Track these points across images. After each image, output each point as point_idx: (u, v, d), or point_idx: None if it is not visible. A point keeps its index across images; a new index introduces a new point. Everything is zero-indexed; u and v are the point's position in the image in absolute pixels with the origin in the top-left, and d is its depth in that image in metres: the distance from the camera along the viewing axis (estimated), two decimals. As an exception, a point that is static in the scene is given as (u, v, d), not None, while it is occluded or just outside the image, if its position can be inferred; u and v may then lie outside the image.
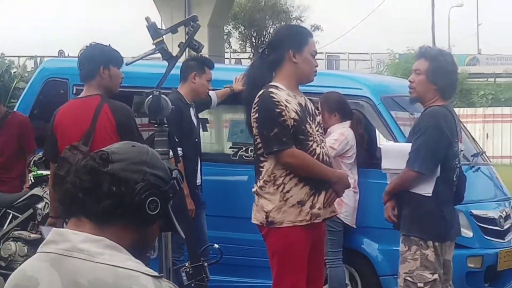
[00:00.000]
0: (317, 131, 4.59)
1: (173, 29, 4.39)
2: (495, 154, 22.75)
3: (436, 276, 4.82)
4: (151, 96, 4.08)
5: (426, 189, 4.81)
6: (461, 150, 5.15)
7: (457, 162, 4.96)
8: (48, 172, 5.74)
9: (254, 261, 6.25)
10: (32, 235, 6.44)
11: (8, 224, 6.54)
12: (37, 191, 6.48)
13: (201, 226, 6.08)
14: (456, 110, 6.27)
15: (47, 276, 1.93)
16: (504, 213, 6.52)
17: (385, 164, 5.08)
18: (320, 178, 4.50)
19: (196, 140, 6.15)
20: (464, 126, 6.48)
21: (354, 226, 6.23)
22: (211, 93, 6.41)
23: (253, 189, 4.58)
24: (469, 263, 6.16)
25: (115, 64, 5.00)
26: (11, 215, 6.57)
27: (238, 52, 43.35)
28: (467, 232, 6.03)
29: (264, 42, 29.33)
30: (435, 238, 4.83)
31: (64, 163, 4.27)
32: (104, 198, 1.97)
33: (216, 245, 4.36)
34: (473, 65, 43.46)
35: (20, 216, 6.52)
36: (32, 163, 6.54)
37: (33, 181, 6.52)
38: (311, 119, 4.56)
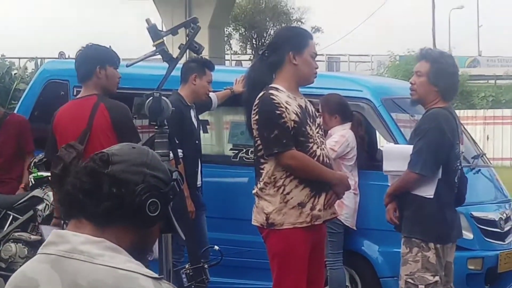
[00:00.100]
0: (317, 133, 4.58)
1: (173, 31, 4.38)
2: (496, 156, 22.69)
3: (437, 278, 4.82)
4: (151, 97, 4.07)
5: (428, 191, 4.81)
6: (462, 152, 5.15)
7: (458, 164, 4.96)
8: (49, 174, 5.73)
9: (254, 263, 6.24)
10: (33, 237, 6.44)
11: (8, 226, 6.53)
12: (37, 192, 6.47)
13: (201, 228, 6.08)
14: (457, 112, 6.26)
15: (47, 278, 1.93)
16: (505, 215, 6.52)
17: (386, 166, 5.07)
18: (320, 180, 4.49)
19: (197, 141, 6.15)
20: (464, 128, 6.48)
21: (355, 228, 6.23)
22: (211, 94, 6.40)
23: (254, 191, 4.57)
24: (470, 265, 6.15)
25: (112, 64, 5.01)
26: (11, 216, 6.56)
27: (238, 53, 43.42)
28: (467, 234, 6.02)
29: (265, 44, 29.33)
30: (436, 240, 4.82)
31: (59, 161, 4.28)
32: (104, 199, 1.97)
33: (216, 247, 4.34)
34: (473, 67, 43.44)
35: (21, 217, 6.51)
36: (32, 164, 6.54)
37: (33, 182, 6.51)
38: (311, 121, 4.56)
